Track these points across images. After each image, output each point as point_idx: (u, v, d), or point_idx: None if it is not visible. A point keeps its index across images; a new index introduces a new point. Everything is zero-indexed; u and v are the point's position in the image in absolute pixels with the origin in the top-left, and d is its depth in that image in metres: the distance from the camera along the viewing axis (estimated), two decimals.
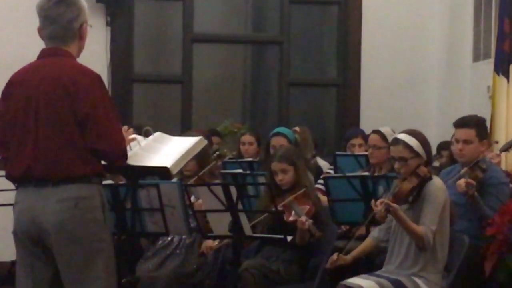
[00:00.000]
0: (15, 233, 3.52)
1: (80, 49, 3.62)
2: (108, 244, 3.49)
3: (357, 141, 6.49)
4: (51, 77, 3.45)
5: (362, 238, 5.03)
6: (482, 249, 4.67)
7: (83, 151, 3.42)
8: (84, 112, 3.40)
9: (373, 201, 4.52)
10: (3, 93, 3.58)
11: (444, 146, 6.63)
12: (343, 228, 5.53)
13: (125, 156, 3.51)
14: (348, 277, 4.47)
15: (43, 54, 3.60)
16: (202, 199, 4.82)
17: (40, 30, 3.60)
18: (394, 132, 5.59)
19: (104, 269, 3.44)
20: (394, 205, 4.32)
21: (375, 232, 4.74)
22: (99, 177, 3.50)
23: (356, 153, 6.32)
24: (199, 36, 8.30)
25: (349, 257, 4.62)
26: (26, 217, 3.45)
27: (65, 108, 3.41)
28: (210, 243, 5.25)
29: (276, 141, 6.24)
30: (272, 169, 5.20)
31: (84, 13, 3.60)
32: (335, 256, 4.57)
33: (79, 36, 3.58)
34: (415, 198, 4.45)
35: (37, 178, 3.42)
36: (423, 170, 4.43)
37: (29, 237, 3.45)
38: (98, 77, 3.50)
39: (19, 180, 3.50)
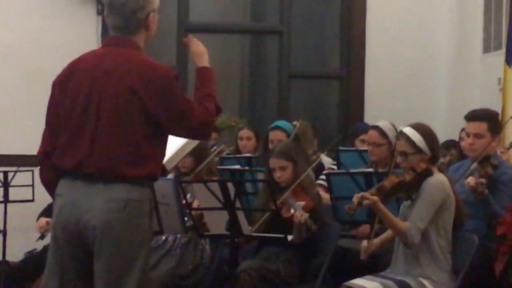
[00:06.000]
0: (53, 225, 3.51)
1: (147, 39, 3.60)
2: (148, 250, 3.51)
3: (367, 136, 6.48)
4: (117, 71, 3.43)
5: (366, 237, 5.05)
6: (492, 250, 4.69)
7: (142, 152, 3.42)
8: (160, 114, 3.41)
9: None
10: (61, 78, 3.55)
11: (451, 144, 6.61)
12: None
13: (211, 126, 3.59)
14: (352, 278, 4.49)
15: (108, 43, 3.61)
16: (198, 196, 4.84)
17: (105, 18, 3.61)
18: (394, 127, 5.59)
19: (140, 274, 3.44)
20: (372, 197, 4.31)
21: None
22: (152, 180, 3.50)
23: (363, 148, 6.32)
24: (194, 25, 8.30)
25: (377, 240, 4.57)
26: (70, 211, 3.43)
27: (130, 107, 3.39)
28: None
29: (274, 136, 6.25)
30: (270, 166, 5.22)
31: (152, 1, 3.59)
32: (366, 243, 4.49)
33: (145, 26, 3.56)
34: (417, 194, 4.47)
35: (88, 173, 3.41)
36: (421, 166, 4.45)
37: (68, 232, 3.44)
38: (170, 74, 3.48)
39: (68, 172, 3.47)
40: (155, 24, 3.62)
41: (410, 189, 4.46)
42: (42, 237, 6.21)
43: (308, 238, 5.00)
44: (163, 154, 3.57)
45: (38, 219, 6.25)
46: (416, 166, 4.45)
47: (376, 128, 5.74)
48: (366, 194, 4.34)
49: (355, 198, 4.34)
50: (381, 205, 4.35)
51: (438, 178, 4.48)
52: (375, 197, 4.32)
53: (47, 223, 6.19)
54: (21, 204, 6.53)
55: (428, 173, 4.46)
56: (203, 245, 5.38)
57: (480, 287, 4.77)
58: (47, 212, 6.11)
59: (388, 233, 4.66)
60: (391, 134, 5.53)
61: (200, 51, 3.76)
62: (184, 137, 3.71)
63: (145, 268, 3.49)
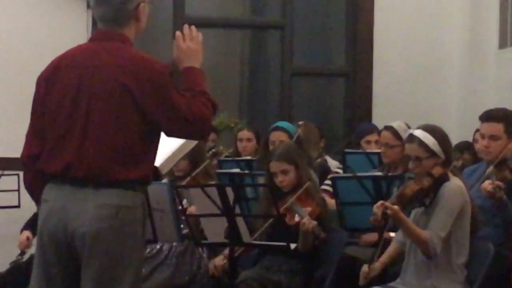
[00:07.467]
0: (39, 232, 3.49)
1: (137, 32, 3.57)
2: (139, 261, 3.50)
3: (373, 137, 6.48)
4: (108, 68, 3.41)
5: (374, 245, 5.04)
6: (509, 259, 4.69)
7: (135, 154, 3.40)
8: (156, 113, 3.39)
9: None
10: (46, 76, 3.53)
11: (464, 146, 6.60)
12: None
13: (210, 124, 3.54)
14: None
15: (96, 37, 3.59)
16: (195, 202, 4.83)
17: (92, 9, 3.60)
18: (408, 127, 5.59)
19: (131, 286, 3.43)
20: (394, 206, 4.32)
21: (399, 235, 4.73)
22: (145, 184, 3.49)
23: (370, 150, 6.31)
24: (191, 19, 8.23)
25: (378, 265, 4.60)
26: (57, 218, 3.41)
27: (123, 106, 3.37)
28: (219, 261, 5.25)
29: (276, 137, 6.23)
30: (271, 170, 5.21)
31: None
32: (366, 268, 4.54)
33: (135, 17, 3.54)
34: (431, 201, 4.46)
35: (77, 177, 3.39)
36: (437, 170, 4.44)
37: (55, 239, 3.42)
38: (165, 70, 3.45)
39: (55, 176, 3.44)
40: (145, 15, 3.58)
41: (428, 195, 4.44)
42: (22, 253, 6.20)
43: (313, 247, 4.99)
44: (155, 156, 3.55)
45: (22, 231, 6.25)
46: (433, 171, 4.43)
47: (390, 128, 5.80)
48: (388, 203, 4.33)
49: (377, 208, 4.33)
50: (402, 215, 4.37)
51: (455, 183, 4.48)
52: (396, 207, 4.32)
53: (28, 238, 6.19)
54: (6, 211, 6.51)
55: (445, 178, 4.45)
56: (200, 254, 5.38)
57: None
58: (31, 224, 6.10)
59: (389, 255, 4.70)
60: (405, 135, 5.52)
61: (194, 48, 3.60)
62: (182, 137, 3.69)
63: (137, 279, 3.48)
